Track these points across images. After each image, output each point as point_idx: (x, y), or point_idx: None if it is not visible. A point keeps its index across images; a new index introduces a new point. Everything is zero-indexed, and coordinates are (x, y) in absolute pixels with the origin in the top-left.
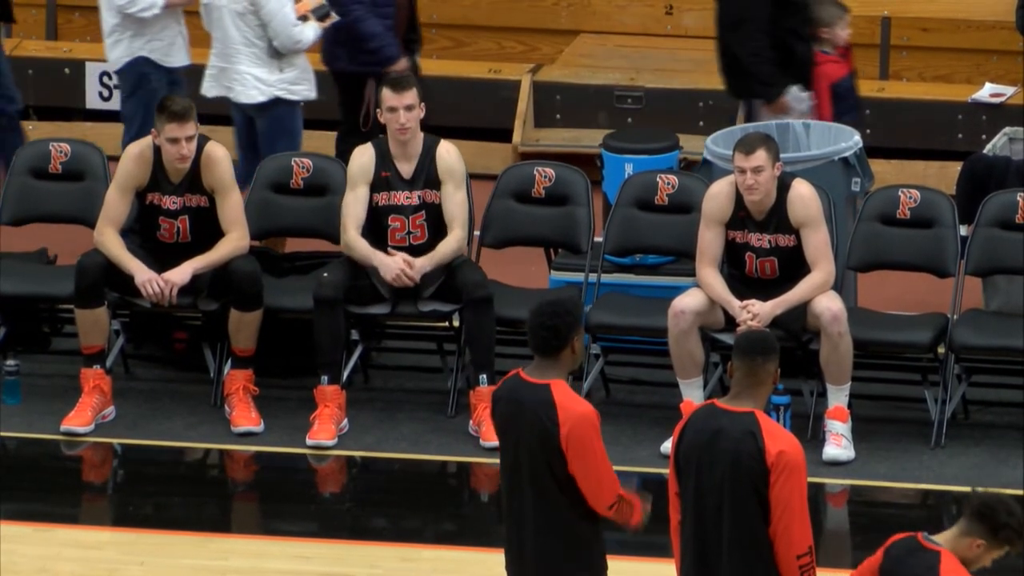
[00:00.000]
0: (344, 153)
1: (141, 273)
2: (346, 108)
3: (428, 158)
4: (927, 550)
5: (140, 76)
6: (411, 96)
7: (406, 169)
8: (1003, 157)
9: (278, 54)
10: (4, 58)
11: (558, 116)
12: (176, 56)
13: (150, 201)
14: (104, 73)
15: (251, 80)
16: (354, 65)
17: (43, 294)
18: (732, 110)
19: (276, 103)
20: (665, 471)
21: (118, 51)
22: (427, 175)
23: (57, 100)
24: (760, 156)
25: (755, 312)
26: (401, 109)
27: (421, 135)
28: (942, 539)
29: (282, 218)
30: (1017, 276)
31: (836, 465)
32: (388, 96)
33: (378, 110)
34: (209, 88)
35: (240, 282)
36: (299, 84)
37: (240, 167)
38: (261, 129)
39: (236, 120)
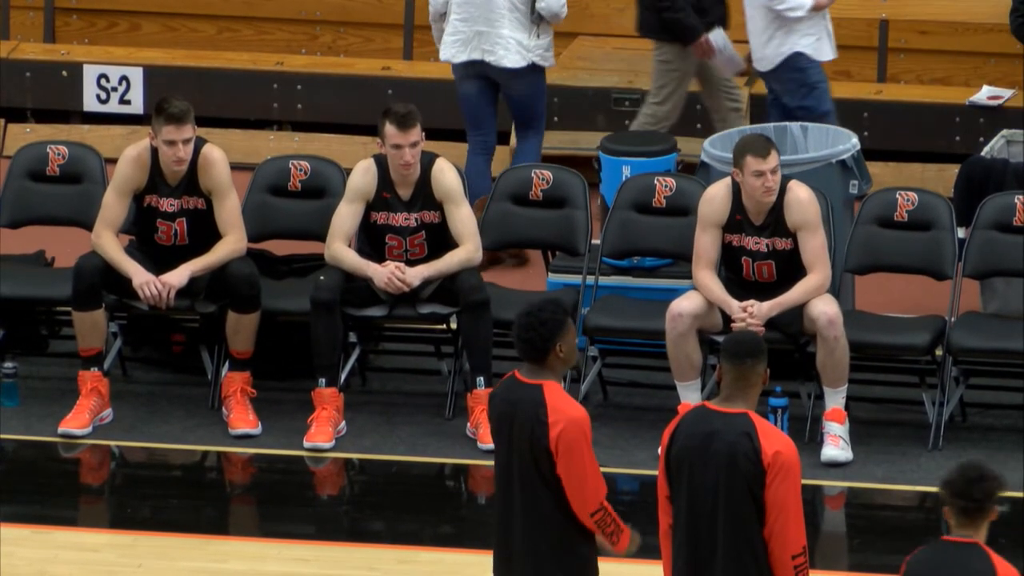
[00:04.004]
0: None
1: (139, 275)
2: None
3: (425, 179)
4: (962, 545)
5: (800, 71)
6: (416, 133)
7: (405, 192)
8: (1001, 159)
9: (539, 19)
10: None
11: (556, 118)
12: (825, 50)
13: (148, 203)
14: (102, 75)
15: (514, 44)
16: None
17: (41, 296)
18: None
19: (531, 69)
20: None
21: (770, 49)
22: (425, 196)
23: (55, 103)
24: (775, 156)
25: (752, 311)
26: (406, 147)
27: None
28: (965, 534)
29: (279, 221)
30: (1015, 278)
31: (834, 466)
32: (393, 134)
33: (378, 141)
34: (456, 53)
35: (237, 284)
36: (549, 51)
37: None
38: (517, 93)
39: (471, 90)
